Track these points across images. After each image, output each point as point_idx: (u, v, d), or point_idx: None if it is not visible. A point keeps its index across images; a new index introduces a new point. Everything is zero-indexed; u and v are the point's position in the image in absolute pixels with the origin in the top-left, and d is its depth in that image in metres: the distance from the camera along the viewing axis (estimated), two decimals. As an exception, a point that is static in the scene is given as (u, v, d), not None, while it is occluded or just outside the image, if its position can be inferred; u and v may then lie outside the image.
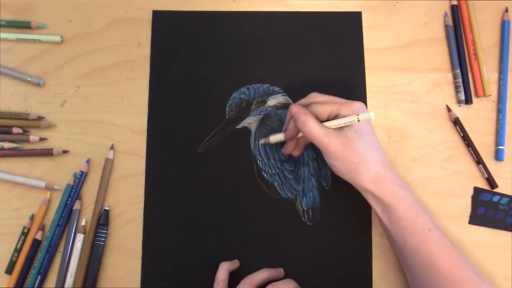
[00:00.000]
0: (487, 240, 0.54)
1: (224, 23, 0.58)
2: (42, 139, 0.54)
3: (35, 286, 0.51)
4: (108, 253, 0.52)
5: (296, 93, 0.56)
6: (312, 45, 0.57)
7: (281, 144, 0.54)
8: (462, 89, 0.57)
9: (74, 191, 0.53)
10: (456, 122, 0.56)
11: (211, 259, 0.52)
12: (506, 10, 0.59)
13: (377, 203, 0.45)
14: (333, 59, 0.57)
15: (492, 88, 0.57)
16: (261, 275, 0.49)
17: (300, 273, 0.52)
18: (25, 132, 0.54)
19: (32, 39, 0.56)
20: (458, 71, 0.57)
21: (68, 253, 0.51)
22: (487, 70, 0.57)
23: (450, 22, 0.58)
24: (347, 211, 0.54)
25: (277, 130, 0.55)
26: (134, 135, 0.55)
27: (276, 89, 0.56)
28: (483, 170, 0.55)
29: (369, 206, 0.53)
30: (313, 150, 0.55)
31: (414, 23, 0.59)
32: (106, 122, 0.55)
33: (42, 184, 0.53)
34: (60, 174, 0.54)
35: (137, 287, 0.52)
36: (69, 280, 0.51)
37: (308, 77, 0.57)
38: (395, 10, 0.59)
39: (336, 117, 0.46)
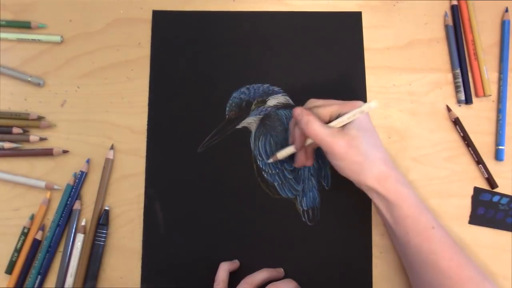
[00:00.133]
0: (487, 240, 0.54)
1: (224, 23, 0.58)
2: (42, 139, 0.54)
3: (35, 286, 0.51)
4: (108, 253, 0.52)
5: (296, 93, 0.56)
6: (312, 45, 0.57)
7: (282, 144, 0.54)
8: (462, 89, 0.57)
9: (74, 191, 0.53)
10: (456, 122, 0.56)
11: (211, 259, 0.52)
12: (506, 10, 0.59)
13: (382, 202, 0.46)
14: (333, 59, 0.57)
15: (492, 88, 0.57)
16: (261, 275, 0.49)
17: (300, 273, 0.52)
18: (25, 132, 0.54)
19: (32, 39, 0.56)
20: (458, 71, 0.57)
21: (68, 253, 0.51)
22: (487, 70, 0.57)
23: (450, 22, 0.58)
24: (347, 211, 0.54)
25: (277, 130, 0.55)
26: (134, 135, 0.55)
27: (276, 89, 0.56)
28: (483, 170, 0.55)
29: (369, 206, 0.54)
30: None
31: (414, 23, 0.59)
32: (106, 122, 0.55)
33: (42, 184, 0.53)
34: (60, 174, 0.54)
35: (137, 287, 0.52)
36: (69, 280, 0.51)
37: (308, 77, 0.57)
38: (395, 10, 0.59)
39: (337, 117, 0.46)
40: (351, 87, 0.57)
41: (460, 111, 0.56)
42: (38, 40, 0.56)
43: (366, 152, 0.44)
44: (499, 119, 0.56)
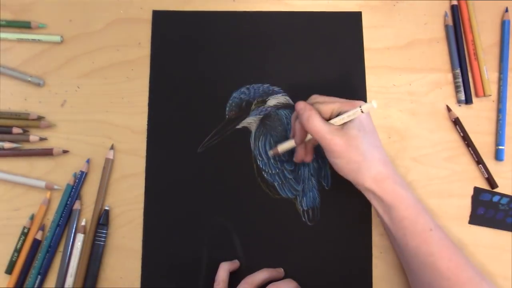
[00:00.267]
0: (487, 240, 0.54)
1: (224, 23, 0.58)
2: (42, 139, 0.54)
3: (35, 286, 0.51)
4: (108, 253, 0.52)
5: (296, 93, 0.56)
6: (312, 45, 0.57)
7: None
8: (462, 89, 0.57)
9: (74, 191, 0.53)
10: (456, 122, 0.56)
11: (211, 259, 0.52)
12: (506, 10, 0.59)
13: (379, 203, 0.45)
14: (333, 59, 0.57)
15: (492, 88, 0.57)
16: (261, 275, 0.49)
17: (300, 273, 0.52)
18: (25, 132, 0.54)
19: (32, 39, 0.56)
20: (458, 71, 0.57)
21: (68, 253, 0.51)
22: (487, 70, 0.57)
23: (450, 22, 0.58)
24: (347, 211, 0.54)
25: (277, 130, 0.55)
26: (134, 135, 0.55)
27: (276, 89, 0.56)
28: (483, 170, 0.55)
29: (369, 206, 0.53)
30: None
31: (414, 23, 0.59)
32: (106, 122, 0.55)
33: (42, 184, 0.53)
34: (60, 174, 0.54)
35: (137, 287, 0.52)
36: (69, 280, 0.51)
37: (308, 77, 0.57)
38: (395, 10, 0.59)
39: (339, 115, 0.46)
40: (351, 87, 0.57)
41: (460, 111, 0.56)
42: (38, 40, 0.56)
43: (365, 152, 0.44)
44: (499, 119, 0.56)
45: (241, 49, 0.57)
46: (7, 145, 0.53)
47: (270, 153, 0.54)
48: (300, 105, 0.47)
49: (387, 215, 0.45)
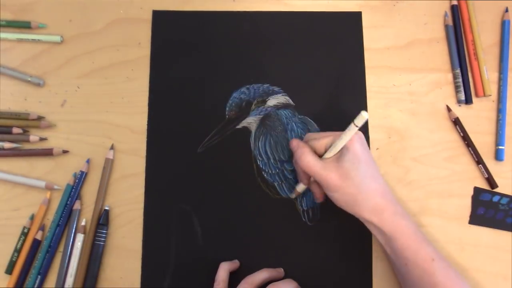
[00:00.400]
0: (487, 240, 0.54)
1: (224, 23, 0.58)
2: (42, 139, 0.54)
3: (35, 286, 0.51)
4: (108, 253, 0.52)
5: (296, 93, 0.56)
6: (312, 45, 0.57)
7: (281, 144, 0.54)
8: (462, 89, 0.57)
9: (74, 191, 0.53)
10: (456, 122, 0.56)
11: (211, 259, 0.52)
12: (506, 10, 0.59)
13: (379, 234, 0.45)
14: (333, 59, 0.57)
15: (492, 88, 0.57)
16: (261, 275, 0.49)
17: (300, 273, 0.52)
18: (25, 132, 0.54)
19: (32, 39, 0.56)
20: (458, 71, 0.57)
21: (68, 253, 0.51)
22: (487, 70, 0.57)
23: (450, 22, 0.58)
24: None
25: (277, 130, 0.55)
26: (134, 135, 0.55)
27: (276, 89, 0.56)
28: (483, 170, 0.55)
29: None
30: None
31: (414, 23, 0.59)
32: (106, 122, 0.55)
33: (42, 184, 0.53)
34: (60, 174, 0.54)
35: (137, 287, 0.52)
36: (69, 280, 0.51)
37: (308, 77, 0.57)
38: (395, 10, 0.59)
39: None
40: (351, 87, 0.57)
41: (460, 111, 0.56)
42: (38, 40, 0.56)
43: (360, 184, 0.44)
44: (499, 119, 0.56)
45: (241, 49, 0.57)
46: (7, 145, 0.53)
47: (292, 196, 0.53)
48: (294, 143, 0.47)
49: (388, 246, 0.45)
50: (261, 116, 0.55)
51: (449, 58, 0.58)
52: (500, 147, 0.55)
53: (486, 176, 0.55)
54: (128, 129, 0.55)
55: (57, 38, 0.56)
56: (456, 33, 0.58)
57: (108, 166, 0.53)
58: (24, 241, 0.52)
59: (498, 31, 0.59)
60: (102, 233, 0.52)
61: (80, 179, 0.53)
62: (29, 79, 0.55)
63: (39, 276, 0.51)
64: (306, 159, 0.45)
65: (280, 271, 0.52)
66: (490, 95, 0.57)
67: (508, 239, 0.54)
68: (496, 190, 0.55)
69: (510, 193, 0.55)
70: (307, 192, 0.54)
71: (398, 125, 0.56)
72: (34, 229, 0.52)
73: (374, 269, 0.53)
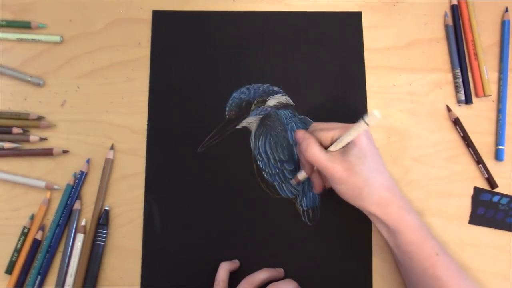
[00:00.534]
0: (487, 240, 0.54)
1: (224, 23, 0.58)
2: (42, 139, 0.54)
3: (35, 286, 0.51)
4: (108, 253, 0.52)
5: (296, 93, 0.56)
6: (312, 45, 0.57)
7: (281, 144, 0.54)
8: (462, 89, 0.57)
9: (74, 191, 0.53)
10: (456, 122, 0.56)
11: (211, 259, 0.52)
12: (506, 10, 0.59)
13: (383, 227, 0.45)
14: (333, 59, 0.57)
15: (492, 88, 0.57)
16: (261, 275, 0.49)
17: (300, 273, 0.52)
18: (25, 132, 0.54)
19: (32, 39, 0.56)
20: (458, 71, 0.57)
21: (68, 253, 0.51)
22: (487, 70, 0.57)
23: (450, 22, 0.58)
24: (347, 211, 0.53)
25: (277, 130, 0.55)
26: (134, 135, 0.55)
27: (276, 89, 0.56)
28: (483, 170, 0.55)
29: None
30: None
31: (414, 23, 0.59)
32: (106, 122, 0.55)
33: (42, 184, 0.53)
34: (60, 174, 0.54)
35: (137, 287, 0.52)
36: (69, 280, 0.51)
37: (308, 77, 0.57)
38: (395, 10, 0.59)
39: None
40: (351, 87, 0.57)
41: (460, 111, 0.56)
42: (38, 40, 0.56)
43: (366, 177, 0.44)
44: (499, 119, 0.56)
45: (241, 49, 0.57)
46: (7, 145, 0.53)
47: (292, 182, 0.53)
48: (299, 133, 0.47)
49: (392, 240, 0.45)
50: (261, 116, 0.55)
51: (449, 58, 0.58)
52: (500, 147, 0.55)
53: (486, 176, 0.55)
54: (128, 129, 0.55)
55: (57, 38, 0.56)
56: (456, 33, 0.58)
57: (108, 166, 0.53)
58: (24, 241, 0.52)
59: (498, 31, 0.59)
60: (102, 233, 0.52)
61: (80, 179, 0.53)
62: (29, 79, 0.55)
63: (39, 276, 0.51)
64: (312, 151, 0.45)
65: (280, 271, 0.52)
66: (490, 95, 0.57)
67: (508, 239, 0.54)
68: (496, 190, 0.55)
69: (510, 193, 0.55)
70: (307, 192, 0.54)
71: (398, 125, 0.56)
72: (34, 229, 0.52)
73: (374, 269, 0.53)
